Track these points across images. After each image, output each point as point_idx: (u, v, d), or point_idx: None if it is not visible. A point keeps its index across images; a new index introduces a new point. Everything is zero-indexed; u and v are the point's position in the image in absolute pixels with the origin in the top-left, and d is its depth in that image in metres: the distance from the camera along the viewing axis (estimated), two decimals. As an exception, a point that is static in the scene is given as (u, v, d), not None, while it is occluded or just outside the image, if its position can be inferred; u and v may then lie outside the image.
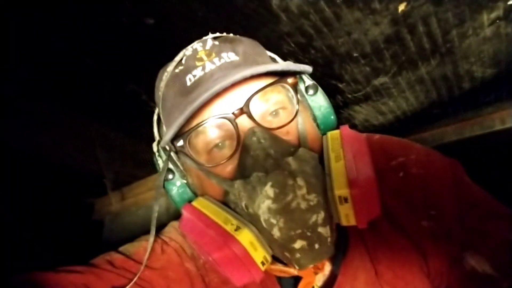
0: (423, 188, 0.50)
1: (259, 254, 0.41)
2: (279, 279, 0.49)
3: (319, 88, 0.51)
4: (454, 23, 0.62)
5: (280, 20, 0.63)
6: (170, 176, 0.49)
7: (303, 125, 0.46)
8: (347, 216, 0.40)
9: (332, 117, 0.52)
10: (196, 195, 0.51)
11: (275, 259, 0.44)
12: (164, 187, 0.50)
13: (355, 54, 0.69)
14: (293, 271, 0.47)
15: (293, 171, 0.39)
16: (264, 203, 0.38)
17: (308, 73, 0.46)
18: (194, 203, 0.46)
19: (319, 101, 0.51)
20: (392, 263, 0.48)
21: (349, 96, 0.80)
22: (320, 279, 0.49)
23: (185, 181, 0.51)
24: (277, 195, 0.38)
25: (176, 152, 0.49)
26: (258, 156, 0.40)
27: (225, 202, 0.45)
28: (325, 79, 0.76)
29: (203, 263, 0.51)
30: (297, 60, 0.72)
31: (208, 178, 0.45)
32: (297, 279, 0.49)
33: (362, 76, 0.74)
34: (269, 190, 0.38)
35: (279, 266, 0.47)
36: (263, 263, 0.41)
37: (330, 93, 0.79)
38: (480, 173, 0.56)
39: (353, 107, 0.84)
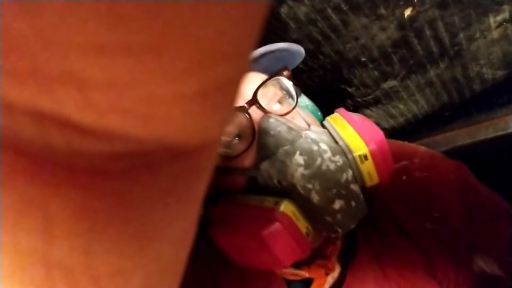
0: (426, 191, 0.51)
1: (302, 224, 0.41)
2: (289, 283, 0.50)
3: (301, 92, 0.55)
4: (461, 26, 0.62)
5: (289, 28, 0.65)
6: None
7: (303, 113, 0.49)
8: (369, 174, 0.42)
9: (319, 113, 0.54)
10: None
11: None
12: None
13: (363, 59, 0.70)
14: (304, 273, 0.48)
15: (314, 139, 0.41)
16: (297, 171, 0.40)
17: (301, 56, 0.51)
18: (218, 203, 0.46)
19: (305, 101, 0.55)
20: (397, 265, 0.49)
21: (359, 100, 0.81)
22: (329, 281, 0.51)
23: None
24: (307, 161, 0.40)
25: None
26: (280, 132, 0.41)
27: (247, 192, 0.45)
28: (334, 84, 0.78)
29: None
30: (306, 66, 0.74)
31: (225, 174, 0.45)
32: (307, 283, 0.50)
33: (371, 80, 0.75)
34: (298, 158, 0.40)
35: (291, 270, 0.48)
36: (307, 234, 0.42)
37: (340, 98, 0.80)
38: (494, 176, 0.56)
39: (363, 110, 0.85)
